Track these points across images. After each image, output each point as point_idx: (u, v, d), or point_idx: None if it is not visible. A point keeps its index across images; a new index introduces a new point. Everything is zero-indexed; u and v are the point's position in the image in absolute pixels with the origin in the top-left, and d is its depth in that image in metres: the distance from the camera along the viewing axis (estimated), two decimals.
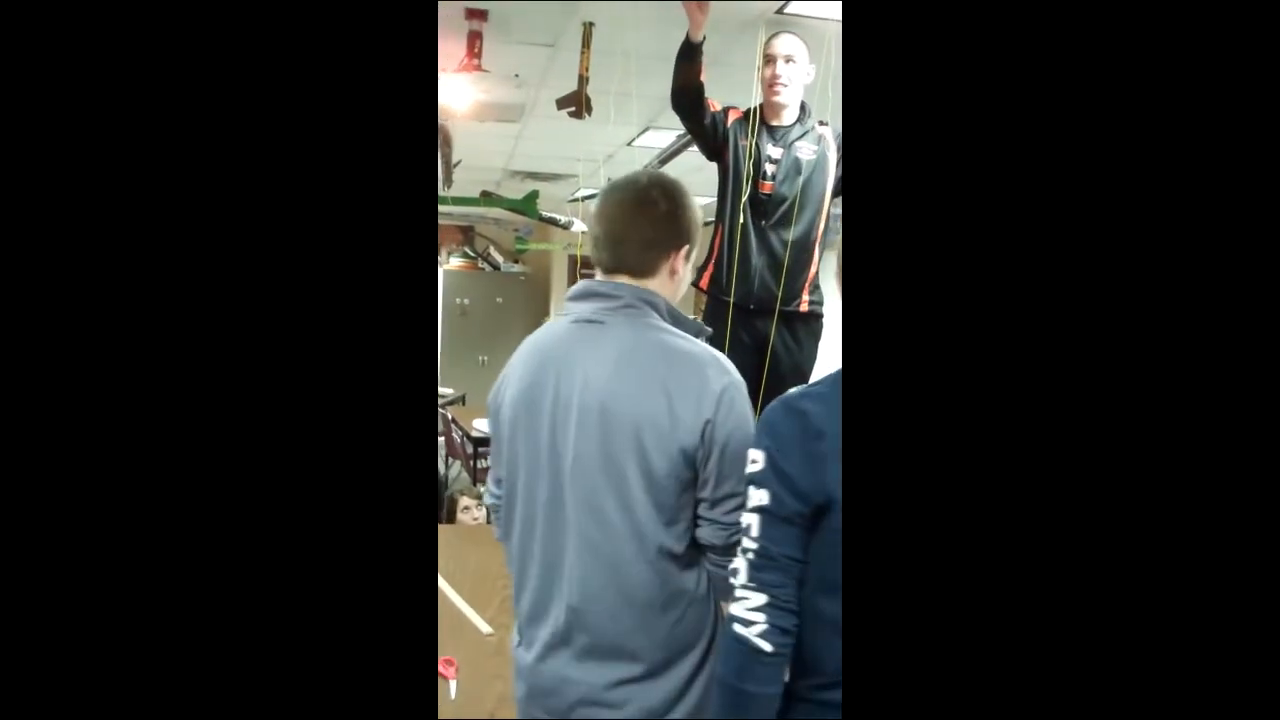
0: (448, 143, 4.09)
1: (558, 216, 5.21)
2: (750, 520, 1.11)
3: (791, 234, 2.39)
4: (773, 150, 2.41)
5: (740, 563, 1.11)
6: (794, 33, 2.41)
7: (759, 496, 1.10)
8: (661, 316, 1.28)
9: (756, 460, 1.12)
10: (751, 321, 2.45)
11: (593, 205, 1.37)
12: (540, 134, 4.33)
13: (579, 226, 4.63)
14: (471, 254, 8.23)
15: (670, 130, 3.98)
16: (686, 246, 1.31)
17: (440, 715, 1.59)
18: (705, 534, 1.24)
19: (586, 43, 2.74)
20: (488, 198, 5.40)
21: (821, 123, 2.48)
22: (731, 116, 2.44)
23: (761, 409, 2.34)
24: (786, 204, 2.39)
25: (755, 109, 2.42)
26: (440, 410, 4.37)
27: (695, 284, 2.58)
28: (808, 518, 1.08)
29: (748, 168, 2.38)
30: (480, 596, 2.24)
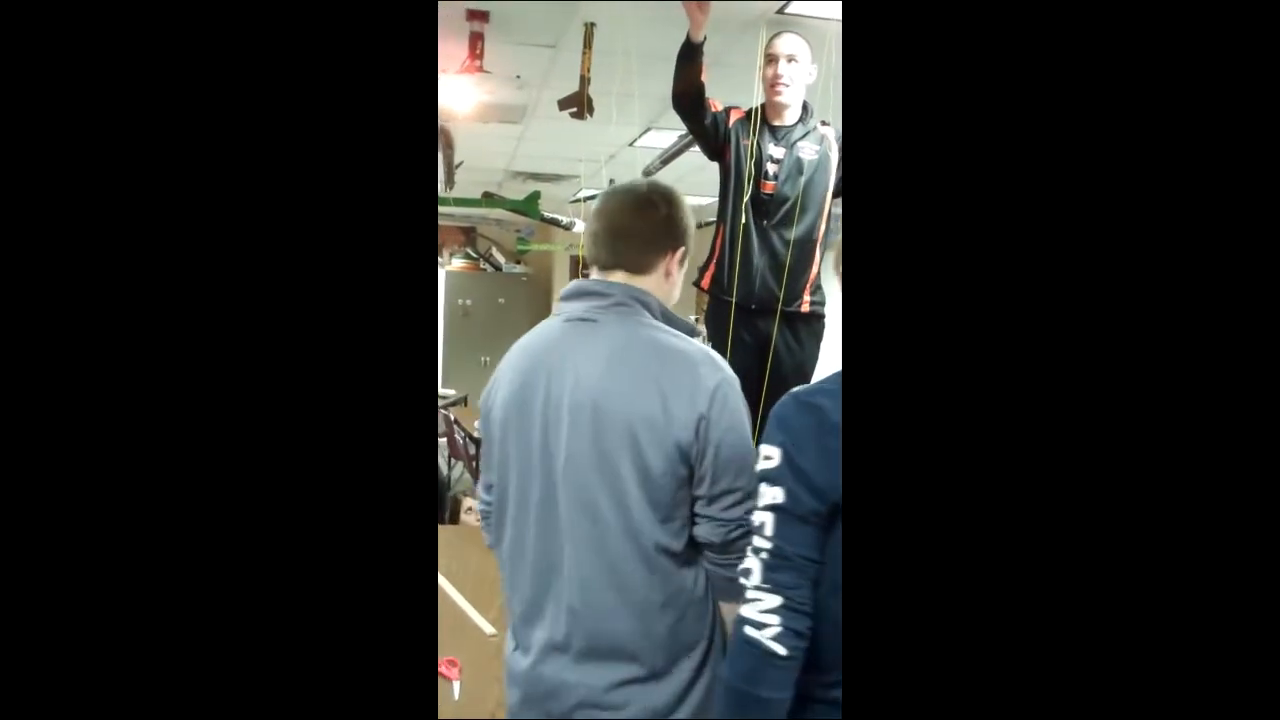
0: (450, 144, 4.09)
1: (559, 217, 5.21)
2: (764, 519, 1.07)
3: (793, 234, 2.39)
4: (775, 150, 2.41)
5: (753, 563, 1.07)
6: (796, 32, 2.41)
7: (773, 494, 1.06)
8: (654, 315, 1.29)
9: (771, 457, 1.08)
10: (753, 321, 2.45)
11: (593, 205, 1.39)
12: (542, 135, 4.33)
13: (581, 227, 4.64)
14: (473, 255, 8.24)
15: (672, 130, 3.98)
16: (682, 250, 1.34)
17: (444, 716, 1.60)
18: (703, 531, 1.23)
19: (588, 43, 2.74)
20: (489, 199, 5.41)
21: (824, 123, 2.48)
22: (733, 116, 2.44)
23: (764, 409, 2.36)
24: (789, 204, 2.39)
25: (756, 109, 2.42)
26: (443, 412, 4.37)
27: (697, 284, 2.58)
28: (824, 516, 1.05)
29: (749, 167, 2.38)
30: (483, 597, 2.24)
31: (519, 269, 8.23)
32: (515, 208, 5.27)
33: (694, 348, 1.27)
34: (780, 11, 2.50)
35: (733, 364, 2.40)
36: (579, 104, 2.82)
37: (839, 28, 2.47)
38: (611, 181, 4.87)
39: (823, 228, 2.46)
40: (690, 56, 2.27)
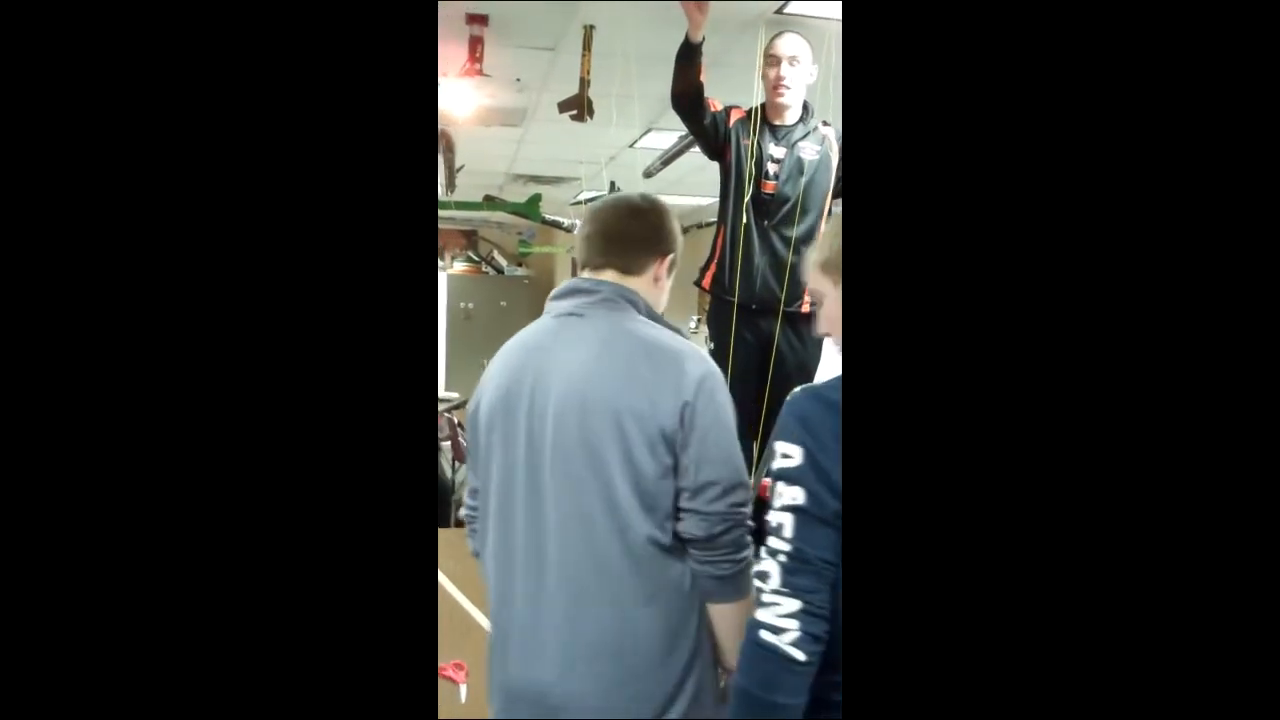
0: (450, 148, 4.10)
1: (561, 219, 5.21)
2: (783, 520, 1.03)
3: (794, 234, 2.39)
4: (775, 150, 2.41)
5: (770, 566, 1.03)
6: (797, 33, 2.41)
7: (792, 494, 1.03)
8: (640, 313, 1.30)
9: (790, 456, 1.04)
10: (755, 321, 2.45)
11: (586, 210, 1.44)
12: (542, 137, 4.33)
13: None
14: (475, 258, 8.25)
15: (672, 131, 3.98)
16: (671, 256, 1.37)
17: (450, 717, 1.59)
18: (689, 526, 1.21)
19: (587, 46, 2.75)
20: (491, 201, 5.41)
21: (824, 123, 2.48)
22: (733, 116, 2.44)
23: (767, 408, 2.36)
24: (789, 204, 2.39)
25: (756, 108, 2.42)
26: (447, 415, 4.37)
27: (698, 283, 2.58)
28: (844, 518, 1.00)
29: (750, 167, 2.38)
30: (488, 599, 2.24)
31: (521, 271, 8.24)
32: (516, 210, 5.27)
33: (680, 342, 1.28)
34: (779, 12, 2.50)
35: (735, 363, 2.43)
36: (579, 106, 2.83)
37: (839, 28, 2.47)
38: (612, 183, 4.88)
39: (823, 228, 2.46)
40: (689, 57, 2.27)
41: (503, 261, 8.24)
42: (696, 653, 1.25)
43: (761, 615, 1.03)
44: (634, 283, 1.33)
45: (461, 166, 4.55)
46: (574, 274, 1.43)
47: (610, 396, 1.21)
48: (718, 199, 2.52)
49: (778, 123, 2.43)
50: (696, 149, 2.79)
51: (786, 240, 2.40)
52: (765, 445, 2.30)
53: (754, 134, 2.39)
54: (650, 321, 1.30)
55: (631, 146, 4.35)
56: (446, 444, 4.32)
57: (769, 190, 2.41)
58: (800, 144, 2.41)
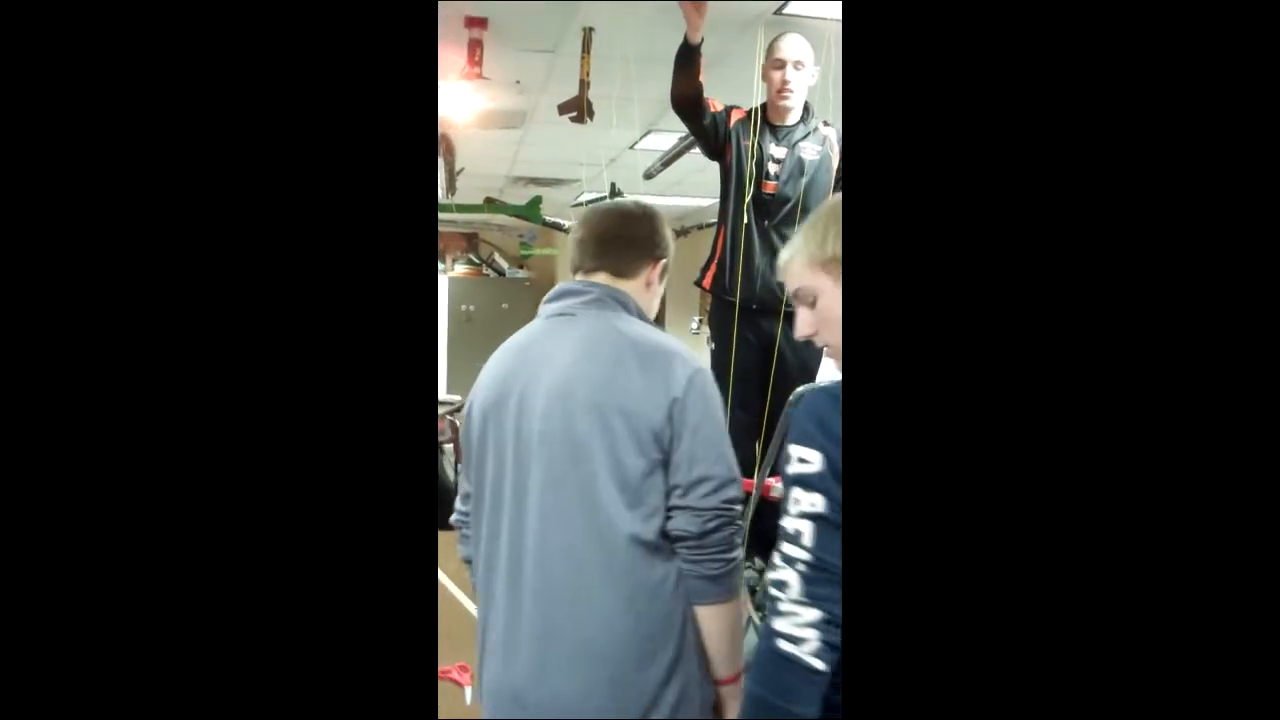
0: (450, 151, 4.10)
1: (561, 221, 5.22)
2: (801, 528, 0.99)
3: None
4: (776, 150, 2.41)
5: (788, 575, 1.00)
6: (800, 34, 2.41)
7: (811, 501, 0.98)
8: (630, 313, 1.31)
9: (808, 461, 0.99)
10: (756, 321, 2.45)
11: (579, 216, 1.46)
12: (542, 139, 4.34)
13: None
14: (476, 260, 8.25)
15: (672, 133, 3.99)
16: (664, 262, 1.38)
17: (455, 718, 1.60)
18: (680, 523, 1.20)
19: (586, 47, 2.75)
20: (491, 204, 5.42)
21: (825, 123, 2.49)
22: (734, 117, 2.44)
23: (770, 408, 2.36)
24: (790, 204, 2.39)
25: (757, 109, 2.43)
26: (449, 418, 4.37)
27: (698, 284, 2.59)
28: None
29: (750, 168, 2.38)
30: None
31: (522, 274, 8.24)
32: (517, 213, 5.28)
33: (670, 340, 1.28)
34: (778, 13, 2.51)
35: (736, 364, 2.43)
36: (579, 108, 2.83)
37: (838, 28, 2.47)
38: (613, 185, 4.88)
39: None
40: (688, 58, 2.28)
41: (504, 264, 8.25)
42: (680, 658, 1.22)
43: (779, 625, 1.00)
44: (626, 286, 1.34)
45: (462, 169, 4.56)
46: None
47: (596, 393, 1.20)
48: (718, 200, 2.52)
49: (778, 123, 2.43)
50: (697, 150, 2.79)
51: (787, 241, 2.39)
52: (767, 445, 2.30)
53: (754, 134, 2.39)
54: (640, 321, 1.31)
55: (632, 148, 4.35)
56: (449, 446, 4.32)
57: (770, 190, 2.41)
58: (801, 144, 2.41)
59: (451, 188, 4.60)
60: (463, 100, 2.83)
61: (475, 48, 2.77)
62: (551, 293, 1.37)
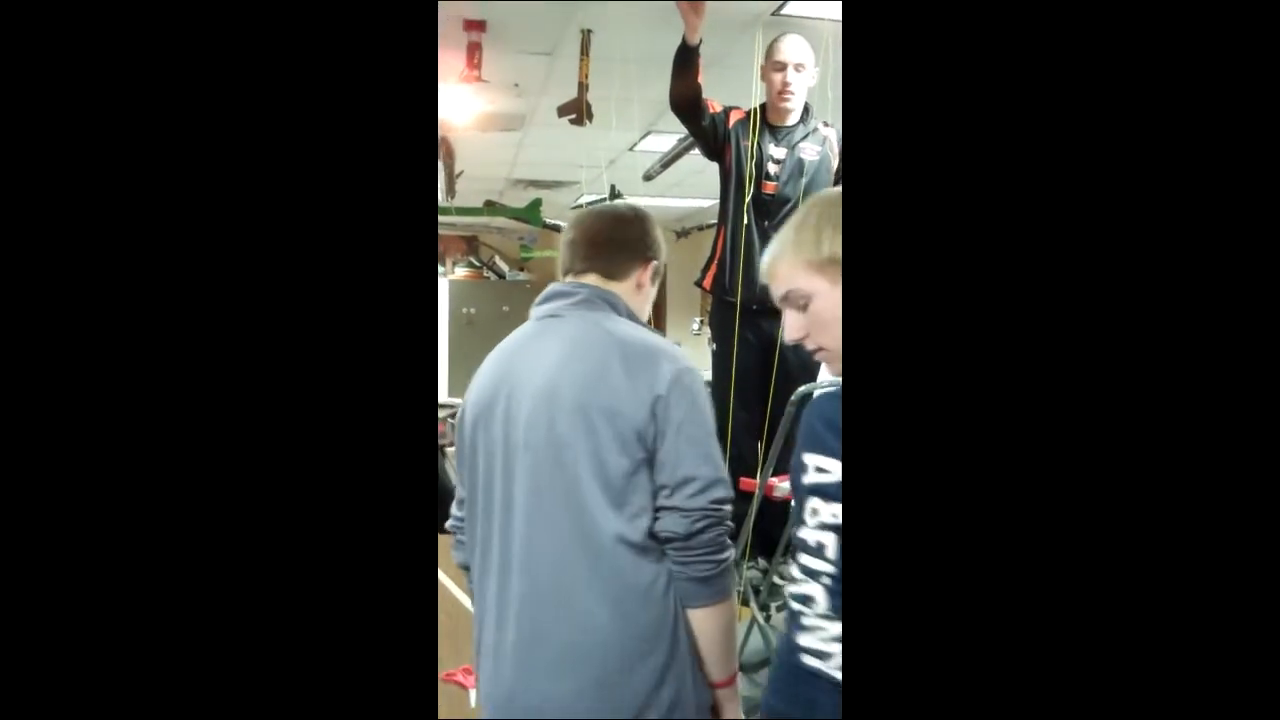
0: (450, 154, 4.11)
1: (561, 223, 5.22)
2: (823, 539, 0.95)
3: None
4: (776, 150, 2.41)
5: (813, 589, 0.96)
6: (800, 35, 2.41)
7: (832, 511, 0.94)
8: (619, 314, 1.30)
9: (826, 470, 0.95)
10: (757, 322, 2.45)
11: (571, 219, 1.45)
12: (542, 142, 4.34)
13: None
14: (476, 263, 8.25)
15: (671, 134, 3.99)
16: (655, 264, 1.37)
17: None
18: (668, 524, 1.18)
19: (585, 50, 2.76)
20: (491, 207, 5.42)
21: (824, 123, 2.49)
22: (733, 117, 2.45)
23: (772, 408, 2.36)
24: (790, 205, 2.39)
25: (756, 109, 2.43)
26: (451, 421, 4.38)
27: (699, 284, 2.59)
28: None
29: (750, 168, 2.39)
30: None
31: (522, 276, 8.24)
32: (517, 215, 5.29)
33: (658, 340, 1.28)
34: (776, 13, 2.51)
35: (737, 364, 2.43)
36: (578, 110, 2.84)
37: (837, 28, 2.47)
38: (613, 186, 4.89)
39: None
40: (687, 59, 2.28)
41: (504, 266, 8.25)
42: (672, 660, 1.20)
43: (804, 640, 0.97)
44: (616, 288, 1.33)
45: (461, 172, 4.57)
46: None
47: (581, 394, 1.20)
48: (718, 201, 2.52)
49: (778, 124, 2.43)
50: (696, 151, 2.79)
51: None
52: (770, 445, 2.30)
53: (754, 135, 2.40)
54: (630, 321, 1.30)
55: (631, 150, 4.36)
56: (451, 449, 4.33)
57: (770, 191, 2.41)
58: (801, 145, 2.42)
59: (451, 191, 4.61)
60: (462, 103, 2.83)
61: (474, 51, 2.77)
62: (542, 295, 1.37)
